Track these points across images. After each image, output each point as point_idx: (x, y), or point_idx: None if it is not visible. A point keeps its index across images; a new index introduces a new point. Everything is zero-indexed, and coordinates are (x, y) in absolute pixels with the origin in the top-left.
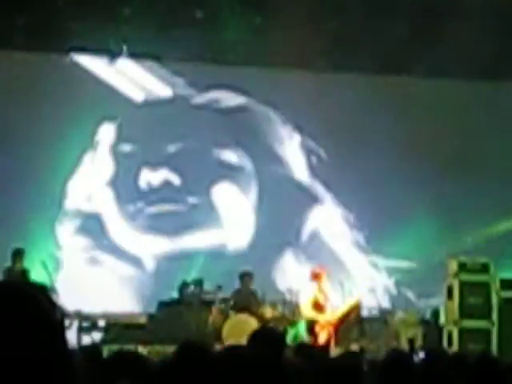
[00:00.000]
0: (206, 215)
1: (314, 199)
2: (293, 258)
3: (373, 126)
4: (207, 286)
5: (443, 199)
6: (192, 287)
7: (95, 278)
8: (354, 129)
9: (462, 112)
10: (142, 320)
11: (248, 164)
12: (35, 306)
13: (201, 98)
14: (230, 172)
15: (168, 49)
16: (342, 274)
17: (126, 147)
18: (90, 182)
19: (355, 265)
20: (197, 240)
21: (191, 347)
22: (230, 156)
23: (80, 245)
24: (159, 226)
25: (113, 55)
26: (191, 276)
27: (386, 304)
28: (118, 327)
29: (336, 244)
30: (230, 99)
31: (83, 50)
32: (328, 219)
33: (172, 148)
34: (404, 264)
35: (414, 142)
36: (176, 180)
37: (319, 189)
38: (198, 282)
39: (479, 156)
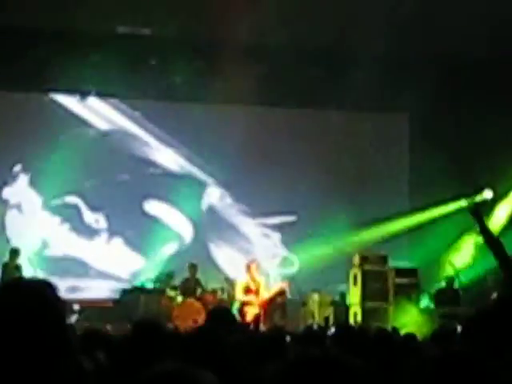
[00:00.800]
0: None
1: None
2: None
3: (285, 147)
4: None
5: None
6: (164, 278)
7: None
8: (270, 149)
9: (363, 136)
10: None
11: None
12: (45, 298)
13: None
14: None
15: (128, 89)
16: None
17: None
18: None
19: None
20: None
21: (145, 323)
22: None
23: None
24: (132, 247)
25: (83, 94)
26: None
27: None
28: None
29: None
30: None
31: (60, 90)
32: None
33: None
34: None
35: (321, 160)
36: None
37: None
38: (170, 274)
39: (374, 171)
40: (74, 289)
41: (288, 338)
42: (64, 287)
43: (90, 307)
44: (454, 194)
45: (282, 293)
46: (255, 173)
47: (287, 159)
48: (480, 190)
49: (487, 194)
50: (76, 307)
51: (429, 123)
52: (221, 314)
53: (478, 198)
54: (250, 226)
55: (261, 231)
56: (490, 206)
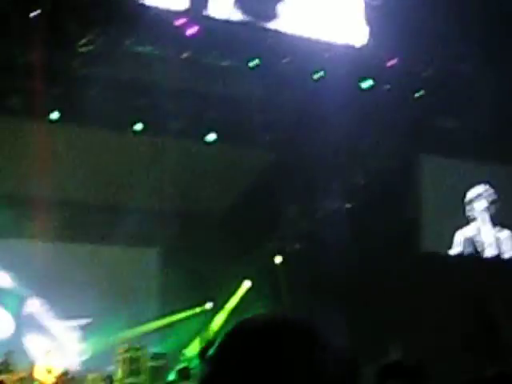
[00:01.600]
0: None
1: None
2: None
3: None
4: None
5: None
6: None
7: None
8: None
9: (131, 264)
10: None
11: None
12: None
13: None
14: None
15: None
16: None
17: None
18: None
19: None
20: None
21: None
22: None
23: None
24: None
25: None
26: None
27: None
28: None
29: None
30: None
31: None
32: None
33: None
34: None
35: None
36: None
37: None
38: None
39: (137, 288)
40: None
41: None
42: None
43: None
44: (191, 304)
45: (66, 373)
46: (62, 288)
47: (82, 282)
48: (206, 302)
49: (208, 305)
50: None
51: (174, 255)
52: None
53: (206, 307)
54: (57, 326)
55: (64, 329)
56: (211, 314)
